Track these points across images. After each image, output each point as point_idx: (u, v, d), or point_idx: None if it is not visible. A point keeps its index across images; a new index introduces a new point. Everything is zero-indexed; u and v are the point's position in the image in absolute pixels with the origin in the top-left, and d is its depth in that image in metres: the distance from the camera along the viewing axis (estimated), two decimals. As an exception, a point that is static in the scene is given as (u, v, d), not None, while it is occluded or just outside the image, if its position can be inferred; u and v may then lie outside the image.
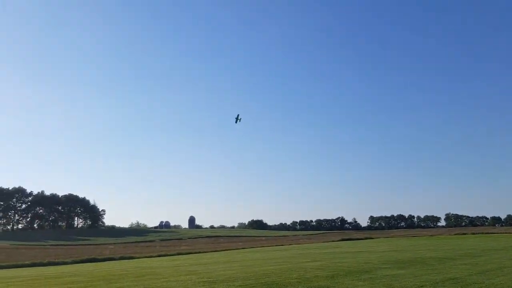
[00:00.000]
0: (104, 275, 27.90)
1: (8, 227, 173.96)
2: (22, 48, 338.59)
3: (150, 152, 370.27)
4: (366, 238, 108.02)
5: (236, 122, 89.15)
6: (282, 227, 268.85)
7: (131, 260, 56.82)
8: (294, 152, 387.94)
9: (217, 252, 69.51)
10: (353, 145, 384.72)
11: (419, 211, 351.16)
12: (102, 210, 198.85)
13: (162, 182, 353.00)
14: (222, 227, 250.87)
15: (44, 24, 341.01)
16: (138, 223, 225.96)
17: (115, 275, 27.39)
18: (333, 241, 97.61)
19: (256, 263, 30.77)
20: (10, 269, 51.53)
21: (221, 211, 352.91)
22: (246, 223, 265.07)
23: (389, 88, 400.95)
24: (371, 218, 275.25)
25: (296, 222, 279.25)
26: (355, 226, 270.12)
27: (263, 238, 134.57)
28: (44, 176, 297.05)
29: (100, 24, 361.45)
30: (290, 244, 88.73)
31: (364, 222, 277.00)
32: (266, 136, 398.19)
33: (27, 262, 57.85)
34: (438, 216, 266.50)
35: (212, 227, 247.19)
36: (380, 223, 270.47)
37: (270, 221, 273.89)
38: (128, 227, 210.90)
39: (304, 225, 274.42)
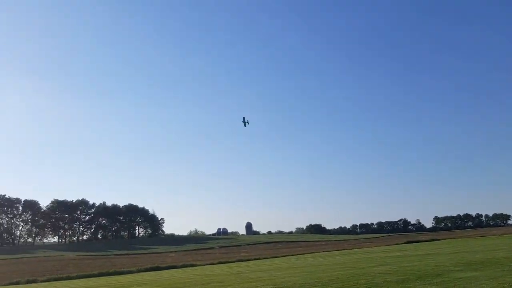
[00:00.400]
0: (170, 283, 28.85)
1: (74, 238, 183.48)
2: (83, 62, 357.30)
3: (206, 159, 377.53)
4: (432, 240, 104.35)
5: (245, 125, 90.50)
6: (342, 231, 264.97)
7: (193, 268, 58.20)
8: (351, 152, 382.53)
9: (277, 258, 69.69)
10: (414, 143, 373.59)
11: (487, 210, 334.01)
12: (161, 219, 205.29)
13: (218, 189, 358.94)
14: (280, 232, 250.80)
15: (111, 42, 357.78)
16: (196, 230, 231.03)
17: (181, 283, 28.28)
18: (397, 244, 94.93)
19: (319, 269, 30.62)
20: (79, 279, 54.43)
21: (277, 217, 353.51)
22: (304, 228, 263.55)
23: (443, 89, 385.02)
24: (436, 218, 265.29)
25: (357, 226, 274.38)
26: (419, 227, 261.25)
27: (323, 243, 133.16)
28: (105, 187, 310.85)
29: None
30: (352, 249, 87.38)
31: (428, 223, 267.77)
32: (321, 138, 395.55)
33: (94, 272, 60.85)
34: (508, 214, 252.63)
35: (269, 232, 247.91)
36: (446, 224, 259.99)
37: (329, 225, 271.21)
38: (187, 235, 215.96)
39: (365, 228, 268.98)
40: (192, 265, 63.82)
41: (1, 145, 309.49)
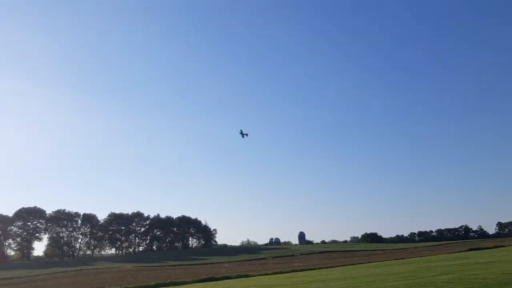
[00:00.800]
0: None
1: (130, 250, 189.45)
2: (135, 80, 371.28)
3: (256, 170, 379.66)
4: (495, 247, 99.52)
5: (243, 137, 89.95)
6: (399, 239, 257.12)
7: (248, 278, 58.60)
8: (407, 157, 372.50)
9: (332, 268, 68.85)
10: (475, 144, 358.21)
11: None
12: (213, 229, 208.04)
13: (270, 199, 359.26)
14: (334, 241, 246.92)
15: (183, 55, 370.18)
16: (248, 241, 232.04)
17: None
18: (459, 251, 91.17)
19: (378, 279, 30.07)
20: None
21: (331, 226, 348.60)
22: (359, 237, 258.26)
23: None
24: (499, 224, 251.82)
25: (415, 233, 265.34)
26: (482, 234, 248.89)
27: (380, 252, 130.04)
28: (159, 200, 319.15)
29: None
30: (410, 257, 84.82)
31: (491, 229, 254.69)
32: (376, 143, 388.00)
33: (151, 283, 62.65)
34: None
35: (323, 242, 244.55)
36: (510, 230, 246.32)
37: (385, 234, 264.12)
38: (240, 245, 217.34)
39: (424, 236, 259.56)
40: (247, 276, 64.26)
41: (62, 163, 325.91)
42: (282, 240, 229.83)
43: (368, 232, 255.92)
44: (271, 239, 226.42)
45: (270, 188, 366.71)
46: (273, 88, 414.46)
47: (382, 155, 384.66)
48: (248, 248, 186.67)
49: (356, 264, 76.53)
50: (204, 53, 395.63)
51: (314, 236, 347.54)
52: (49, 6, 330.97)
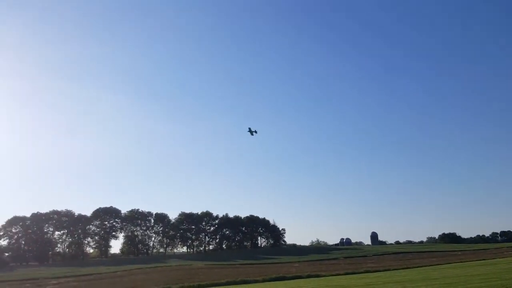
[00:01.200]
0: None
1: (201, 248, 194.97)
2: (202, 83, 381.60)
3: (326, 169, 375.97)
4: None
5: (252, 134, 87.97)
6: (480, 239, 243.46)
7: (319, 278, 58.25)
8: (486, 152, 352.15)
9: (408, 269, 66.70)
10: None
11: None
12: (282, 229, 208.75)
13: (340, 198, 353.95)
14: (409, 242, 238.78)
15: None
16: (318, 241, 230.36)
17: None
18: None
19: (459, 280, 28.77)
20: (209, 287, 57.79)
21: (405, 226, 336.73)
22: (437, 237, 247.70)
23: None
24: None
25: (497, 233, 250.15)
26: None
27: (459, 253, 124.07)
28: (227, 200, 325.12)
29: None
30: (493, 258, 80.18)
31: None
32: (452, 141, 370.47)
33: (222, 281, 64.13)
34: None
35: (397, 242, 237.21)
36: None
37: (464, 234, 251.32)
38: (309, 245, 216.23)
39: (507, 236, 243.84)
40: (318, 276, 63.91)
41: (135, 165, 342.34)
42: (353, 240, 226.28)
43: (446, 232, 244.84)
44: (342, 239, 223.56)
45: (340, 187, 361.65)
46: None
47: (456, 153, 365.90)
48: (318, 248, 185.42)
49: (434, 265, 73.58)
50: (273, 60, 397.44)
51: (388, 236, 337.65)
52: (117, 18, 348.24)
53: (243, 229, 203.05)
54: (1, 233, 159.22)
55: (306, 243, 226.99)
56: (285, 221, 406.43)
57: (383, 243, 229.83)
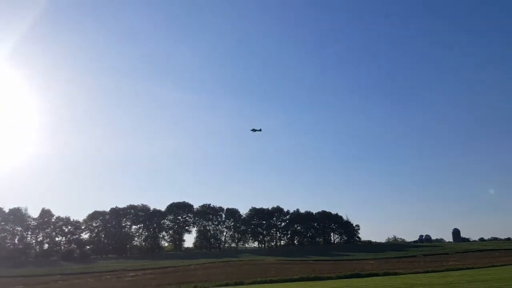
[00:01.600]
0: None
1: (272, 243, 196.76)
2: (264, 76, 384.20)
3: (401, 163, 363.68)
4: None
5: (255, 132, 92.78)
6: None
7: (396, 276, 56.53)
8: None
9: (494, 268, 62.92)
10: None
11: None
12: (356, 225, 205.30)
13: (419, 193, 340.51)
14: (495, 239, 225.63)
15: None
16: (395, 237, 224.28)
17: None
18: None
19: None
20: (282, 283, 57.96)
21: (491, 222, 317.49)
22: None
23: None
24: None
25: None
26: None
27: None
28: (298, 195, 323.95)
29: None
30: None
31: None
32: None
33: (295, 277, 64.10)
34: None
35: (481, 239, 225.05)
36: None
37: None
38: (385, 242, 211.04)
39: None
40: (395, 273, 62.07)
41: (205, 161, 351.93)
42: (433, 237, 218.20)
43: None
44: (421, 236, 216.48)
45: (418, 181, 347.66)
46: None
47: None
48: (395, 245, 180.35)
49: (525, 264, 68.87)
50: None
51: (471, 233, 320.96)
52: (189, 15, 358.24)
53: (315, 225, 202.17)
54: (83, 227, 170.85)
55: (382, 239, 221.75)
56: (359, 217, 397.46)
57: (466, 240, 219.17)
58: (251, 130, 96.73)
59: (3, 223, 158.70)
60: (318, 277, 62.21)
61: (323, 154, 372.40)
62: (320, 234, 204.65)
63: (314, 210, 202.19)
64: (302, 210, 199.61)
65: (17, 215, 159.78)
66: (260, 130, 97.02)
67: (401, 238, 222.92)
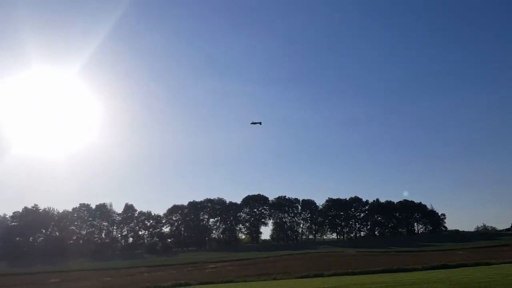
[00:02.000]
0: (467, 282, 27.17)
1: (351, 235, 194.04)
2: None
3: (483, 146, 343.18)
4: None
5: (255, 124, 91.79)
6: None
7: (488, 267, 53.51)
8: None
9: None
10: None
11: None
12: (441, 214, 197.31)
13: (509, 177, 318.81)
14: None
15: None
16: (485, 225, 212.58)
17: (478, 283, 26.32)
18: None
19: None
20: (364, 275, 56.86)
21: None
22: None
23: None
24: None
25: None
26: None
27: None
28: (376, 184, 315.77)
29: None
30: None
31: None
32: None
33: (377, 269, 62.68)
34: None
35: None
36: None
37: None
38: (474, 231, 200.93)
39: None
40: (487, 264, 58.78)
41: (278, 153, 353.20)
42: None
43: None
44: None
45: (507, 164, 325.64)
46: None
47: None
48: (485, 234, 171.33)
49: None
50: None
51: None
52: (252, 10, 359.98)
53: (397, 215, 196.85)
54: (164, 221, 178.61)
55: (471, 228, 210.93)
56: (445, 205, 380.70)
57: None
58: (251, 123, 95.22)
59: (90, 218, 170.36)
60: (402, 269, 60.55)
61: (403, 141, 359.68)
62: (403, 225, 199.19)
63: (395, 199, 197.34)
64: (382, 200, 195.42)
65: (103, 210, 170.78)
66: (260, 123, 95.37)
67: (491, 226, 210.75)
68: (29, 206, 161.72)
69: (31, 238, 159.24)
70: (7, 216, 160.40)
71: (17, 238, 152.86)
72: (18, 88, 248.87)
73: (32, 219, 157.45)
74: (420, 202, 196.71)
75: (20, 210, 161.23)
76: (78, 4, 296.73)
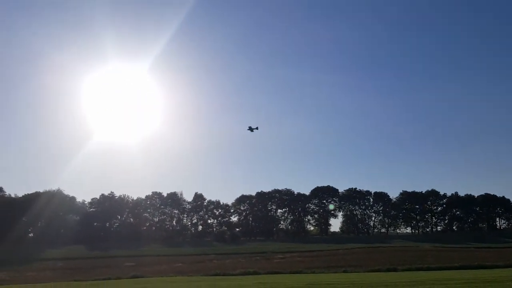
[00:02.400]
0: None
1: (427, 229, 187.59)
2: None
3: None
4: None
5: (252, 131, 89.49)
6: None
7: None
8: None
9: None
10: None
11: None
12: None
13: None
14: None
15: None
16: None
17: None
18: None
19: None
20: (440, 271, 54.79)
21: None
22: None
23: None
24: None
25: None
26: None
27: None
28: (455, 177, 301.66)
29: None
30: None
31: None
32: None
33: (455, 265, 60.31)
34: None
35: None
36: None
37: None
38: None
39: None
40: None
41: (349, 144, 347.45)
42: None
43: None
44: None
45: None
46: None
47: None
48: None
49: None
50: None
51: None
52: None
53: (477, 209, 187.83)
54: (232, 211, 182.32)
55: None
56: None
57: None
58: (248, 129, 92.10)
59: (162, 206, 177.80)
60: (482, 266, 57.83)
61: (484, 130, 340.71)
62: (484, 220, 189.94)
63: (476, 193, 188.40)
64: (461, 193, 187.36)
65: (174, 199, 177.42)
66: (257, 128, 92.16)
67: None
68: (106, 193, 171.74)
69: (107, 224, 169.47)
70: (86, 203, 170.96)
71: (95, 224, 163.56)
72: (98, 83, 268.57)
73: (108, 206, 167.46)
74: (503, 196, 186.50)
75: (98, 197, 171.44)
76: (148, 4, 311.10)
